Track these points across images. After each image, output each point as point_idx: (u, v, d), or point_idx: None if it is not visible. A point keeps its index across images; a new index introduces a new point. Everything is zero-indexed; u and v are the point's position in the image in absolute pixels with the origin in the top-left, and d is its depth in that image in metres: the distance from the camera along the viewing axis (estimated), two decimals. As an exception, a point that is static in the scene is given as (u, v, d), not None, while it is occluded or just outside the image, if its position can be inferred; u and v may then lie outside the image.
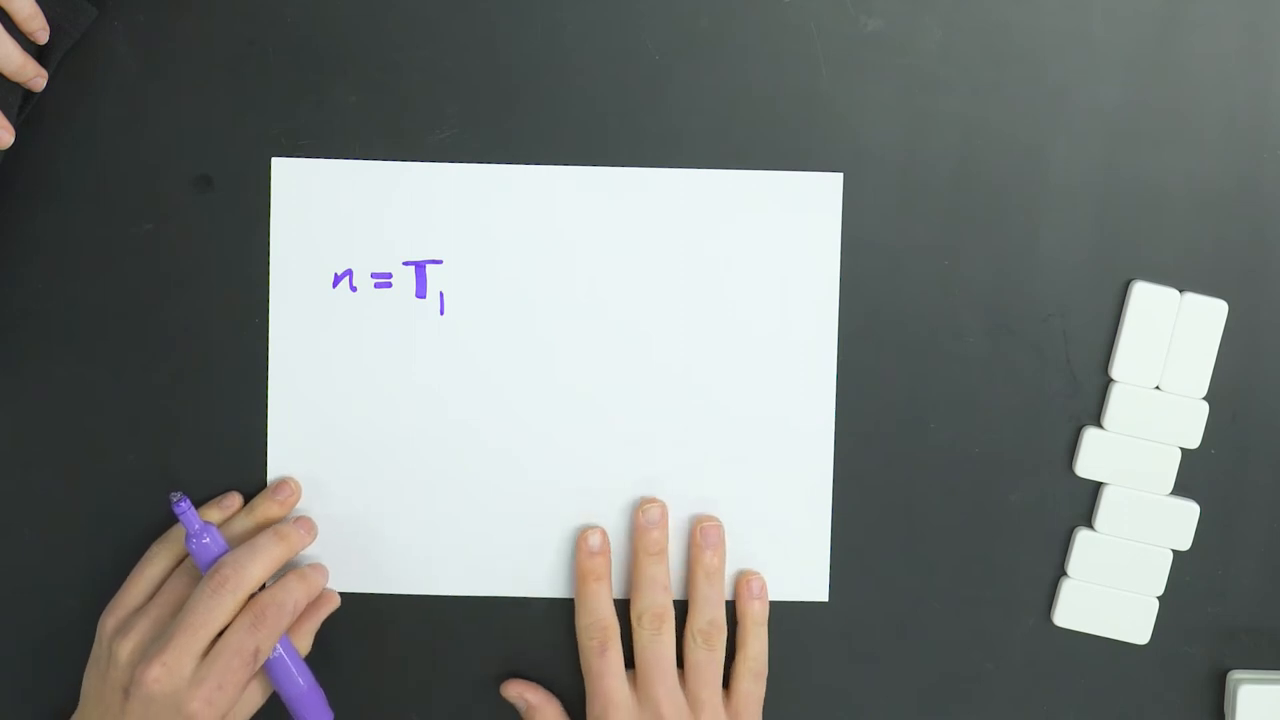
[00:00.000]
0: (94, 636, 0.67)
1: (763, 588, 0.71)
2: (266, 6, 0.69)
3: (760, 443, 0.71)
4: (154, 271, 0.70)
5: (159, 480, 0.70)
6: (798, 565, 0.72)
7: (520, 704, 0.70)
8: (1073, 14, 0.71)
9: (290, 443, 0.70)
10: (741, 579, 0.71)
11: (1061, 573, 0.72)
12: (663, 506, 0.70)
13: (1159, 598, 0.72)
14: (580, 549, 0.70)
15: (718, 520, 0.70)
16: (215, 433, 0.70)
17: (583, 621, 0.69)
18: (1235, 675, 0.73)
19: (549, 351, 0.71)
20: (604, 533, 0.70)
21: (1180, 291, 0.71)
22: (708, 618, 0.69)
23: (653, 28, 0.70)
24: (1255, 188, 0.71)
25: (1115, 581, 0.72)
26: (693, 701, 0.68)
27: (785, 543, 0.72)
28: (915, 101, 0.71)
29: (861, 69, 0.70)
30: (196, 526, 0.66)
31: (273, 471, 0.70)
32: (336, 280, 0.70)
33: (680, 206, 0.70)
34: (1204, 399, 0.71)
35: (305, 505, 0.70)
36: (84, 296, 0.70)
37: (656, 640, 0.68)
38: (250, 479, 0.70)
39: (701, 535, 0.70)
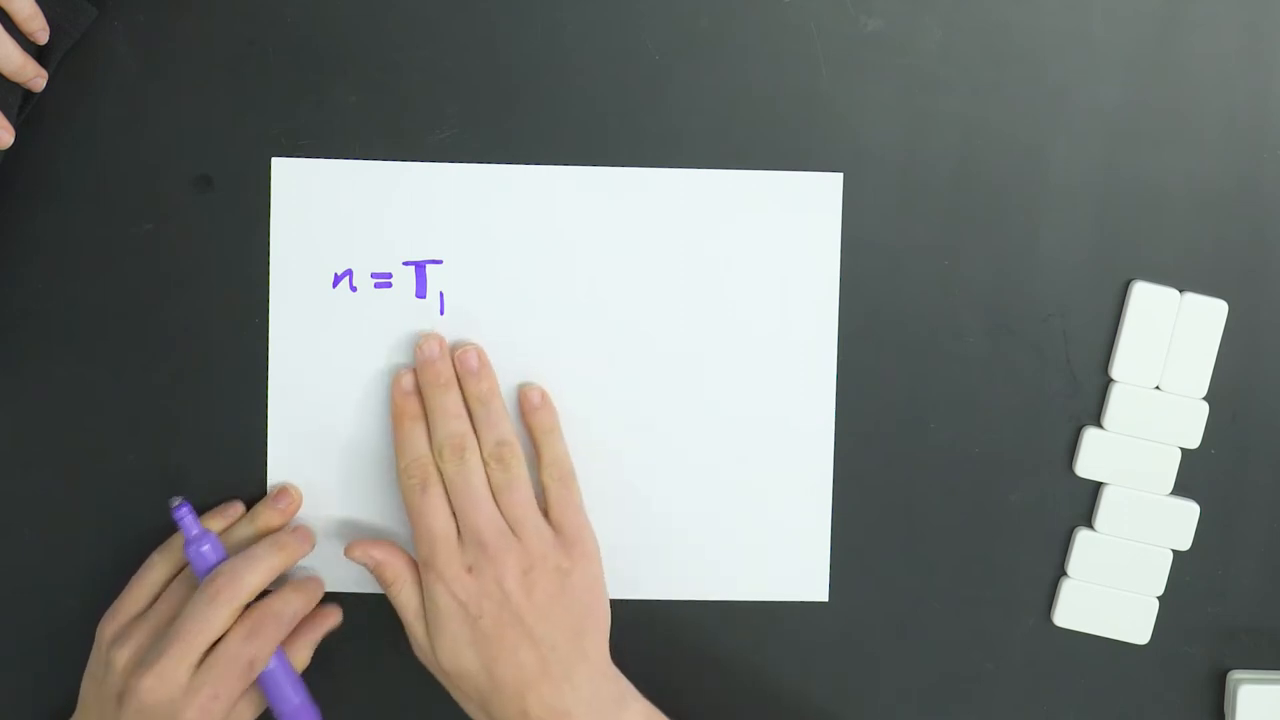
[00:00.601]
0: (93, 639, 0.67)
1: (542, 396, 0.69)
2: (266, 6, 0.69)
3: (760, 443, 0.71)
4: (154, 271, 0.70)
5: (159, 480, 0.70)
6: (798, 565, 0.72)
7: (367, 562, 0.68)
8: (1073, 14, 0.71)
9: (290, 443, 0.70)
10: (519, 393, 0.70)
11: (1061, 573, 0.72)
12: (439, 339, 0.69)
13: (1159, 598, 0.72)
14: (395, 389, 0.68)
15: (477, 347, 0.69)
16: (215, 433, 0.70)
17: (401, 463, 0.68)
18: (1235, 675, 0.73)
19: (549, 351, 0.71)
20: (414, 373, 0.69)
21: (1180, 291, 0.71)
22: (494, 439, 0.67)
23: (653, 28, 0.70)
24: (1255, 188, 0.71)
25: (1115, 581, 0.72)
26: (511, 522, 0.66)
27: (785, 543, 0.72)
28: (915, 101, 0.71)
29: (861, 69, 0.70)
30: (195, 533, 0.66)
31: (273, 471, 0.70)
32: (336, 280, 0.70)
33: (680, 206, 0.70)
34: (1204, 399, 0.71)
35: (305, 505, 0.70)
36: (84, 296, 0.70)
37: (462, 468, 0.66)
38: (250, 479, 0.70)
39: (461, 363, 0.69)
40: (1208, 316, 0.71)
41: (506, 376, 0.70)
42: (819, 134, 0.71)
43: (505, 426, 0.68)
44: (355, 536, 0.70)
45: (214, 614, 0.64)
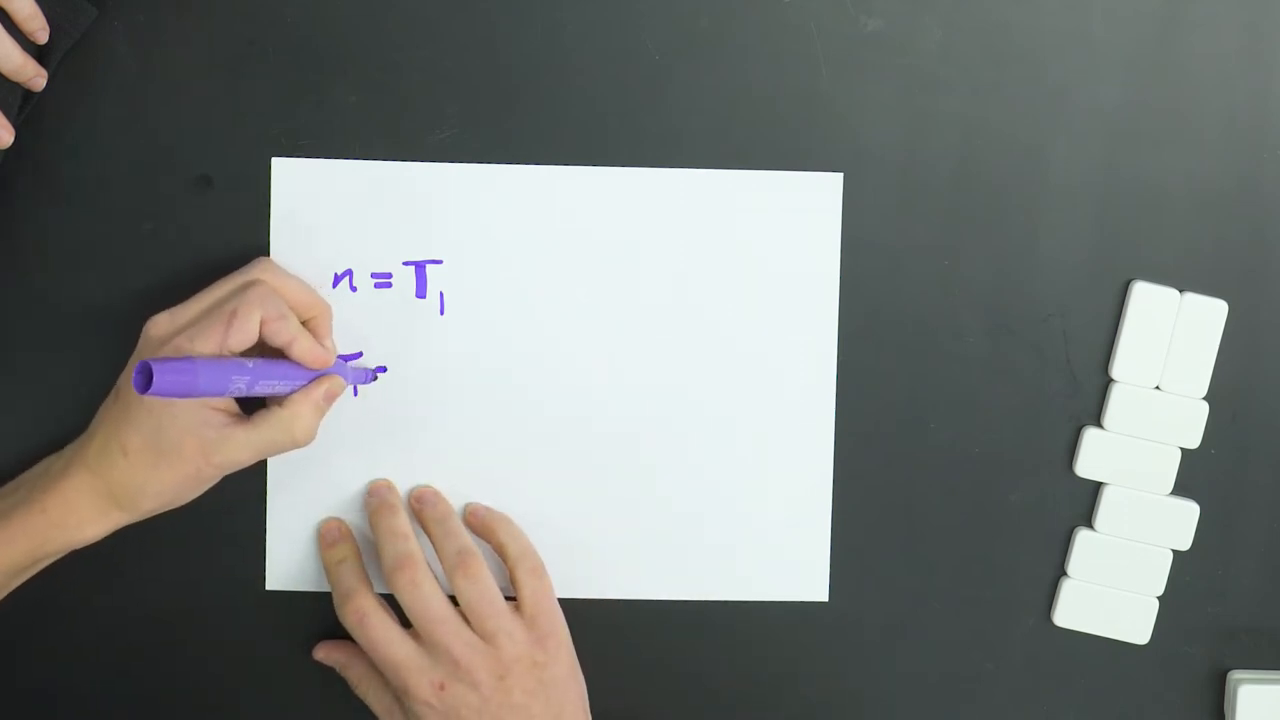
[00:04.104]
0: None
1: (485, 508, 0.70)
2: (266, 6, 0.69)
3: (760, 442, 0.71)
4: (154, 271, 0.70)
5: (159, 480, 0.70)
6: (798, 565, 0.72)
7: (332, 664, 0.70)
8: (1073, 14, 0.71)
9: (290, 443, 0.70)
10: (464, 510, 0.70)
11: (1061, 573, 0.72)
12: (387, 483, 0.70)
13: (1159, 598, 0.72)
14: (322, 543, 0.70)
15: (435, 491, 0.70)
16: (215, 433, 0.70)
17: (338, 607, 0.68)
18: (1235, 675, 0.73)
19: (549, 351, 0.71)
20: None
21: (1180, 291, 0.71)
22: (455, 549, 0.67)
23: (653, 28, 0.70)
24: (1255, 188, 0.71)
25: (1115, 581, 0.72)
26: (484, 636, 0.66)
27: (785, 543, 0.72)
28: (915, 101, 0.71)
29: (861, 69, 0.70)
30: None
31: (273, 471, 0.70)
32: (336, 280, 0.70)
33: (680, 206, 0.70)
34: (1204, 399, 0.71)
35: (305, 505, 0.70)
36: (84, 296, 0.70)
37: (416, 591, 0.66)
38: (250, 479, 0.70)
39: (416, 499, 0.70)
40: (1208, 316, 0.71)
41: (506, 377, 0.70)
42: (819, 134, 0.71)
43: (465, 537, 0.68)
44: (354, 536, 0.70)
45: (237, 293, 0.64)
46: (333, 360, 0.67)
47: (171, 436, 0.63)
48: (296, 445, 0.65)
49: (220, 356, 0.62)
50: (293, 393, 0.65)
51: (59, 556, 0.65)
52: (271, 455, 0.66)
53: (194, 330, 0.63)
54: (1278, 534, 0.72)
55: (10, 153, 0.67)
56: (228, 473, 0.65)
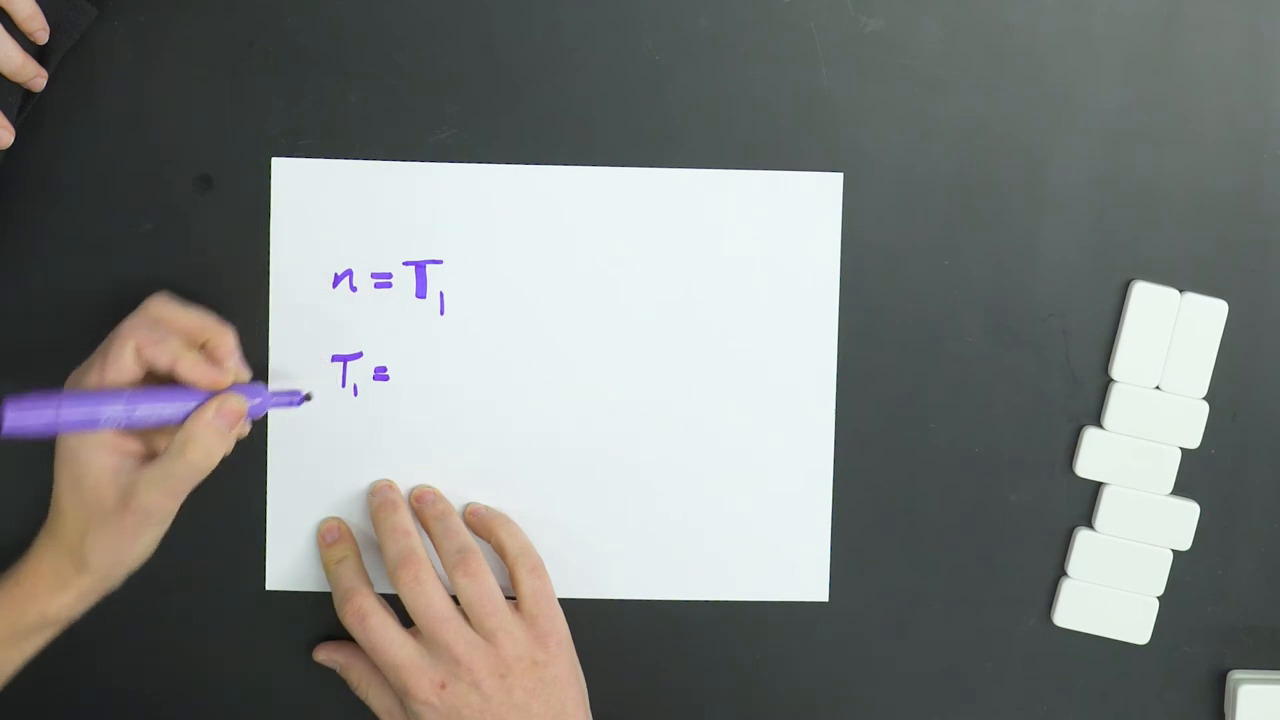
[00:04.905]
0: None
1: (485, 507, 0.70)
2: (266, 6, 0.69)
3: (760, 443, 0.71)
4: (154, 271, 0.70)
5: (159, 480, 0.70)
6: (798, 565, 0.72)
7: (333, 665, 0.70)
8: (1073, 14, 0.71)
9: (290, 442, 0.70)
10: (464, 510, 0.70)
11: (1061, 573, 0.72)
12: (389, 482, 0.70)
13: (1159, 598, 0.72)
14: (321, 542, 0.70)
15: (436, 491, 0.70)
16: (215, 433, 0.70)
17: (338, 607, 0.67)
18: (1235, 675, 0.73)
19: (549, 351, 0.71)
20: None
21: (1180, 291, 0.71)
22: (455, 546, 0.67)
23: (652, 28, 0.70)
24: (1255, 188, 0.71)
25: (1115, 581, 0.72)
26: (484, 635, 0.66)
27: (785, 543, 0.72)
28: (915, 101, 0.71)
29: (861, 69, 0.71)
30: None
31: (272, 471, 0.70)
32: (336, 280, 0.70)
33: (680, 206, 0.70)
34: (1204, 399, 0.71)
35: (305, 505, 0.70)
36: (85, 296, 0.70)
37: (419, 588, 0.66)
38: (250, 479, 0.70)
39: (416, 499, 0.70)
40: (1208, 316, 0.71)
41: (506, 377, 0.70)
42: (819, 134, 0.71)
43: (466, 535, 0.68)
44: (354, 536, 0.70)
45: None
46: (228, 379, 0.64)
47: (90, 486, 0.62)
48: (199, 471, 0.63)
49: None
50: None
51: (45, 633, 0.64)
52: (182, 489, 0.63)
53: (78, 370, 0.64)
54: (1278, 534, 0.72)
55: (10, 153, 0.67)
56: (157, 520, 0.64)
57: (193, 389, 0.63)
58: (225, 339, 0.65)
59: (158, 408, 0.62)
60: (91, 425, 0.60)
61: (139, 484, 0.62)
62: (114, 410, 0.61)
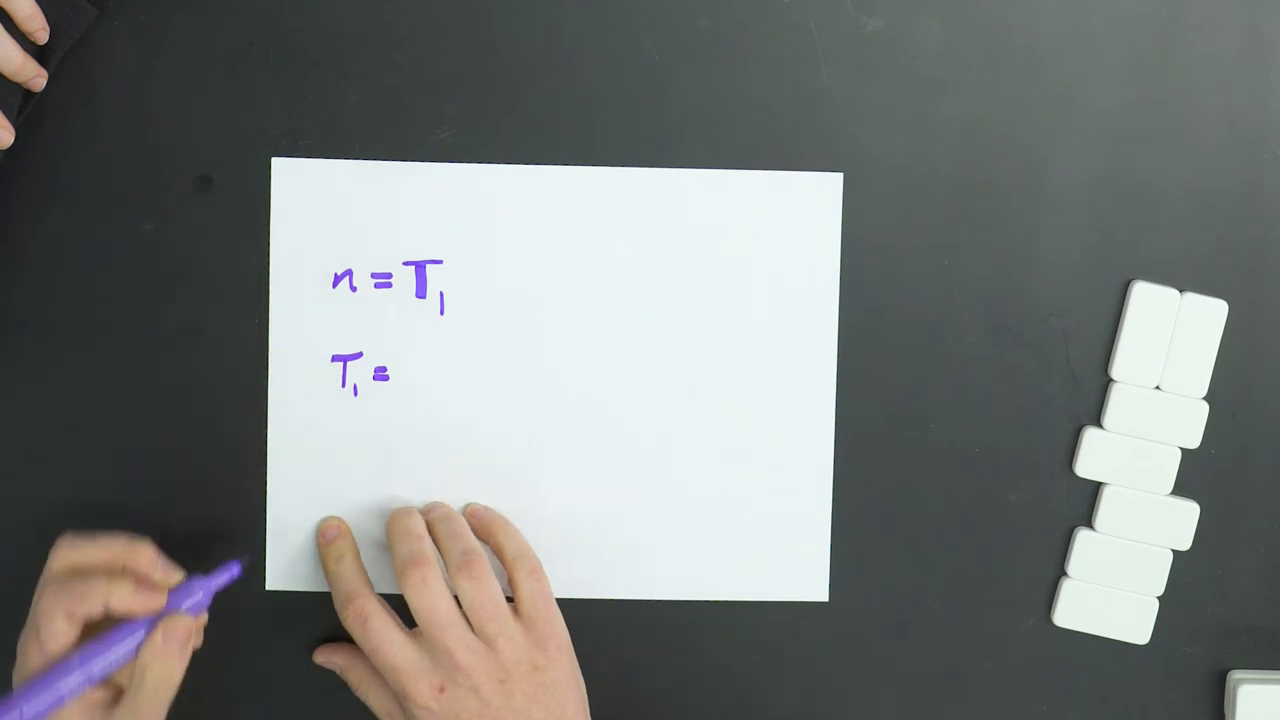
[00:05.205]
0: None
1: (484, 507, 0.70)
2: (266, 6, 0.69)
3: (760, 442, 0.71)
4: (154, 271, 0.70)
5: (158, 480, 0.70)
6: (798, 565, 0.72)
7: (332, 667, 0.70)
8: (1073, 14, 0.71)
9: (289, 443, 0.70)
10: (465, 511, 0.70)
11: (1061, 573, 0.72)
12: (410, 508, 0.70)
13: (1159, 598, 0.72)
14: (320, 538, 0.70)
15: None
16: (215, 432, 0.70)
17: (338, 607, 0.67)
18: (1235, 675, 0.73)
19: (549, 352, 0.71)
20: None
21: (1180, 291, 0.71)
22: (459, 549, 0.67)
23: (652, 28, 0.70)
24: (1255, 188, 0.71)
25: (1115, 581, 0.72)
26: (485, 639, 0.66)
27: (785, 542, 0.72)
28: (915, 101, 0.71)
29: (861, 69, 0.71)
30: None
31: (272, 471, 0.70)
32: (336, 280, 0.70)
33: (680, 206, 0.70)
34: (1204, 399, 0.71)
35: (305, 505, 0.70)
36: (84, 296, 0.70)
37: (425, 590, 0.66)
38: (250, 479, 0.70)
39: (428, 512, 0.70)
40: (1208, 316, 0.71)
41: (506, 377, 0.71)
42: (819, 134, 0.71)
43: (470, 538, 0.68)
44: (354, 536, 0.70)
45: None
46: (162, 599, 0.63)
47: None
48: (164, 694, 0.62)
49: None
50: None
51: None
52: (156, 715, 0.62)
53: (18, 660, 0.62)
54: (1278, 534, 0.72)
55: (10, 153, 0.67)
56: None
57: (134, 620, 0.63)
58: (142, 556, 0.64)
59: (109, 657, 0.62)
60: (58, 705, 0.60)
61: None
62: (73, 681, 0.60)
